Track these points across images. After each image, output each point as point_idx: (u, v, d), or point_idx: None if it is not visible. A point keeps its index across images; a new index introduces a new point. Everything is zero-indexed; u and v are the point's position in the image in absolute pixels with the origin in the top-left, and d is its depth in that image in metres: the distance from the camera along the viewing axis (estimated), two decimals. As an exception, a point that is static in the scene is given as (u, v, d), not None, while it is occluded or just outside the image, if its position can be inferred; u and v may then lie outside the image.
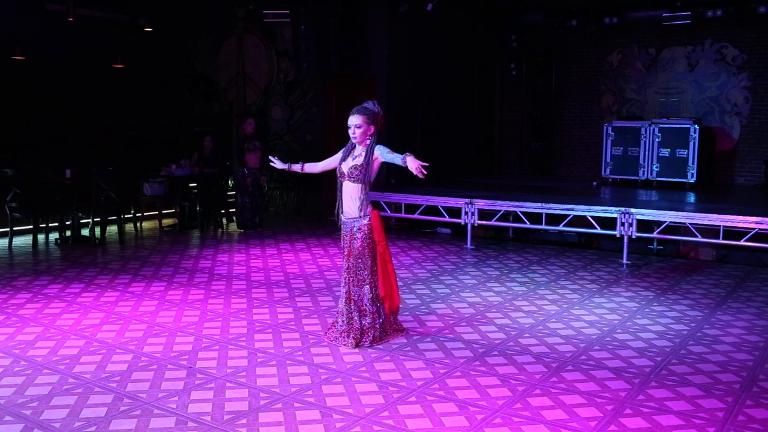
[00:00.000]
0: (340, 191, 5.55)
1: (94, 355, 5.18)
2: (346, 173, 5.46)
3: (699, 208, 8.89)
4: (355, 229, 5.47)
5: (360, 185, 5.42)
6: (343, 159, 5.53)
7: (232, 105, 13.47)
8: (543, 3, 13.00)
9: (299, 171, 5.84)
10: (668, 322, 6.26)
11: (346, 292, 5.51)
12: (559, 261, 8.91)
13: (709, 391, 4.63)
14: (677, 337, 5.80)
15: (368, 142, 5.44)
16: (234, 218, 11.30)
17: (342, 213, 5.56)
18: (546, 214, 9.48)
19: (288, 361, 5.09)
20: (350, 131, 5.43)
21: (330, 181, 5.59)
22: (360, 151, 5.46)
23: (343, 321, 5.52)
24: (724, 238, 8.54)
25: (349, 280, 5.50)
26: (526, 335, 5.80)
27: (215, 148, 11.36)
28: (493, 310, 6.56)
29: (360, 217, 5.45)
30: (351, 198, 5.47)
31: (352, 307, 5.48)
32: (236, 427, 4.00)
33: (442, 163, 11.97)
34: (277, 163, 5.84)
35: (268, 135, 12.94)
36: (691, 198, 10.37)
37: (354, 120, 5.41)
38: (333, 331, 5.62)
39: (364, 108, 5.46)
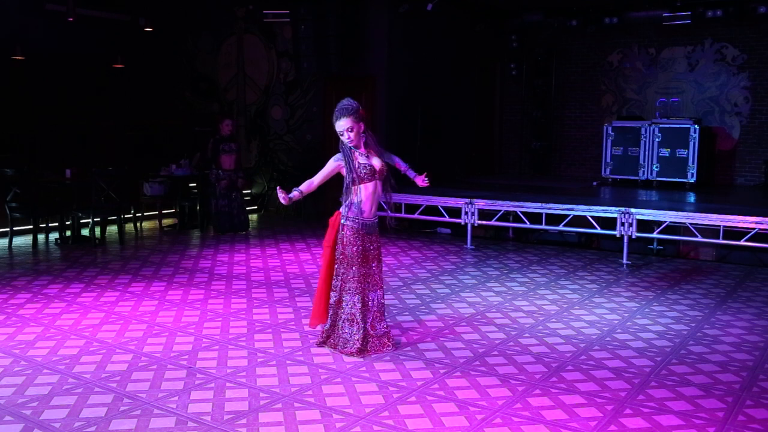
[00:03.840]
0: (367, 192, 5.14)
1: (94, 355, 5.18)
2: (378, 170, 5.14)
3: (699, 208, 8.89)
4: (374, 231, 5.29)
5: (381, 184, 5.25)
6: (354, 159, 5.11)
7: (232, 105, 13.47)
8: (543, 3, 13.00)
9: (300, 197, 5.11)
10: (668, 322, 6.26)
11: (360, 299, 5.19)
12: (559, 261, 8.91)
13: (709, 391, 4.63)
14: (677, 337, 5.80)
15: (364, 140, 5.16)
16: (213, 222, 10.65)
17: (370, 215, 5.22)
18: (546, 214, 9.48)
19: (288, 361, 5.09)
20: (344, 137, 5.07)
21: (330, 181, 5.49)
22: (366, 151, 5.16)
23: (357, 330, 5.18)
24: (724, 238, 8.53)
25: (365, 286, 5.22)
26: (526, 335, 5.80)
27: None
28: (493, 310, 6.56)
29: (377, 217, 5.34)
30: (378, 198, 5.24)
31: (375, 312, 5.31)
32: (236, 427, 4.00)
33: (442, 163, 12.00)
34: (282, 197, 5.03)
35: (267, 135, 12.95)
36: (691, 198, 10.37)
37: (345, 123, 5.04)
38: (335, 342, 5.29)
39: (345, 108, 5.07)
